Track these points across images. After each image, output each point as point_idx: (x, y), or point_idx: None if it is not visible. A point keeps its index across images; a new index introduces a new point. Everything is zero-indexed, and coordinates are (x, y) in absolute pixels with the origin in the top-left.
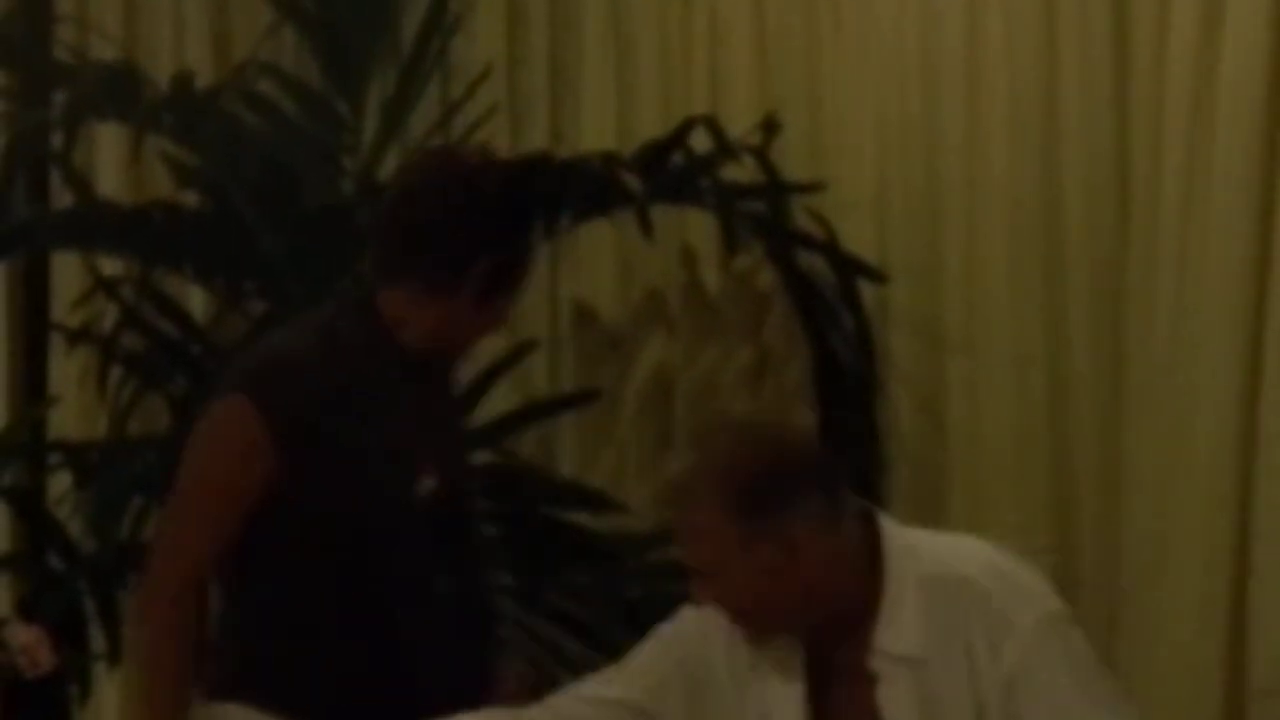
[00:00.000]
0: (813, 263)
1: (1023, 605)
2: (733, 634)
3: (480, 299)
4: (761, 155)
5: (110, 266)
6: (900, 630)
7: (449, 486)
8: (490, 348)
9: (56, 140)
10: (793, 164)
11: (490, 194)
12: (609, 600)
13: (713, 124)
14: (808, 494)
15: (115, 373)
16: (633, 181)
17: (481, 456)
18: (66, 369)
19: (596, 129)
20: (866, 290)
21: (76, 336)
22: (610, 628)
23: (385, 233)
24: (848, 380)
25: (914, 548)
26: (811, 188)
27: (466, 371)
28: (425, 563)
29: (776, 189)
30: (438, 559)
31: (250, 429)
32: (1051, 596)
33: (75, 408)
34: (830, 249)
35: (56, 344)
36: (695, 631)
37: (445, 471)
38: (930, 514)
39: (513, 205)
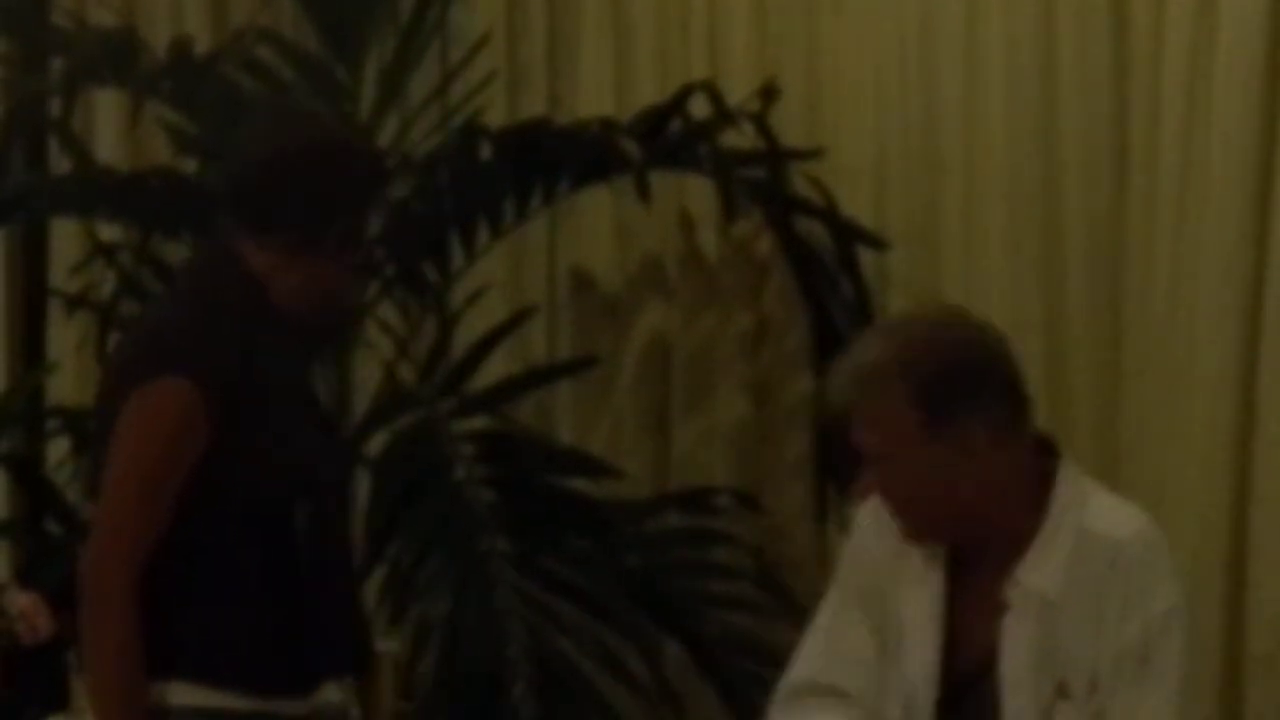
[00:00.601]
0: (811, 229)
1: (1162, 588)
2: (896, 535)
3: (338, 254)
4: (760, 122)
5: (109, 233)
6: (1045, 569)
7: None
8: (488, 314)
9: (55, 107)
10: (791, 131)
11: (357, 158)
12: (606, 566)
13: (711, 90)
14: (994, 398)
15: (114, 339)
16: (631, 148)
17: (479, 423)
18: (65, 335)
19: (595, 95)
20: (865, 257)
21: (75, 303)
22: (607, 594)
23: (254, 192)
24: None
25: (1084, 497)
26: (810, 154)
27: (464, 338)
28: (332, 526)
29: (775, 155)
30: (336, 521)
31: (192, 408)
32: (1183, 594)
33: (74, 374)
34: (829, 215)
35: (55, 310)
36: (866, 538)
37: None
38: None
39: (374, 168)
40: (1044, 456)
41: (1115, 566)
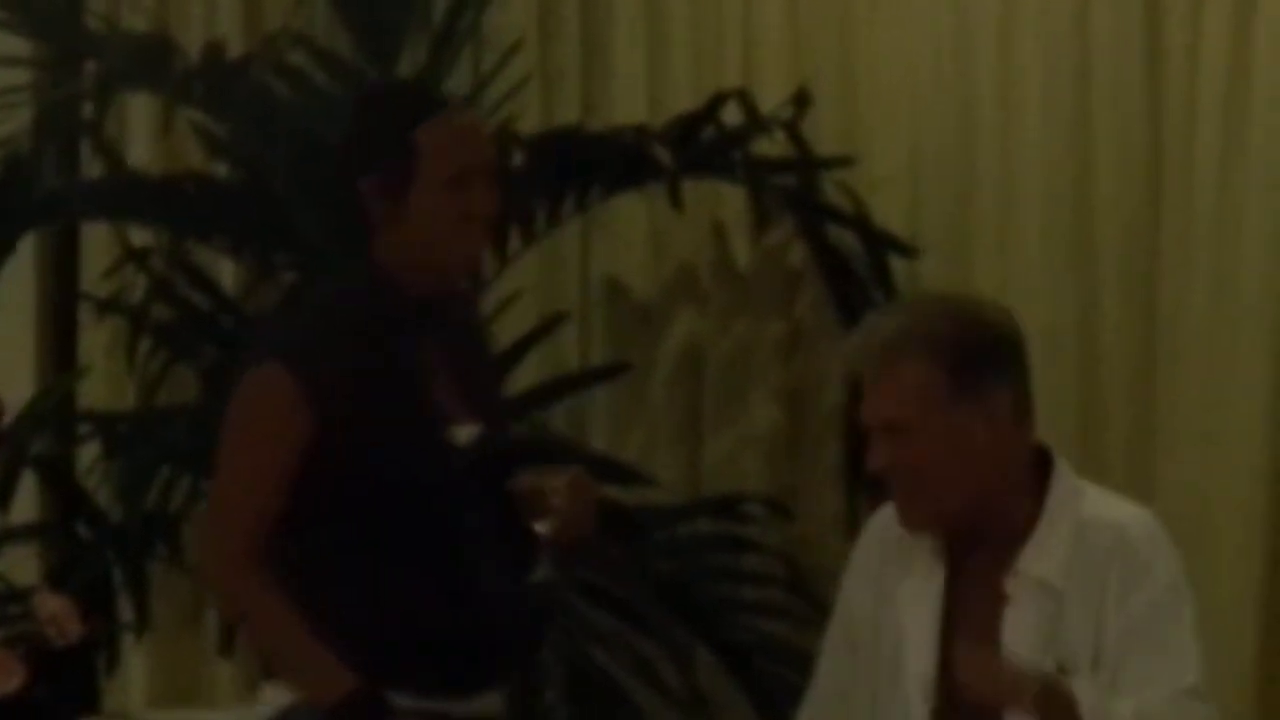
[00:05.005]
0: (844, 237)
1: (1163, 564)
2: (892, 539)
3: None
4: (793, 129)
5: (140, 237)
6: (1046, 556)
7: (491, 433)
8: (521, 321)
9: (87, 110)
10: (824, 138)
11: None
12: (638, 573)
13: (744, 97)
14: (1017, 372)
15: (144, 343)
16: (664, 155)
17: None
18: (96, 339)
19: (628, 102)
20: (898, 265)
21: (106, 307)
22: (639, 600)
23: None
24: None
25: (1081, 489)
26: (843, 162)
27: (496, 345)
28: (468, 512)
29: (808, 163)
30: (483, 506)
31: (288, 392)
32: (1184, 574)
33: (104, 378)
34: (861, 224)
35: (86, 314)
36: (871, 542)
37: (485, 418)
38: None
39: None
40: (1042, 453)
41: (1116, 548)
